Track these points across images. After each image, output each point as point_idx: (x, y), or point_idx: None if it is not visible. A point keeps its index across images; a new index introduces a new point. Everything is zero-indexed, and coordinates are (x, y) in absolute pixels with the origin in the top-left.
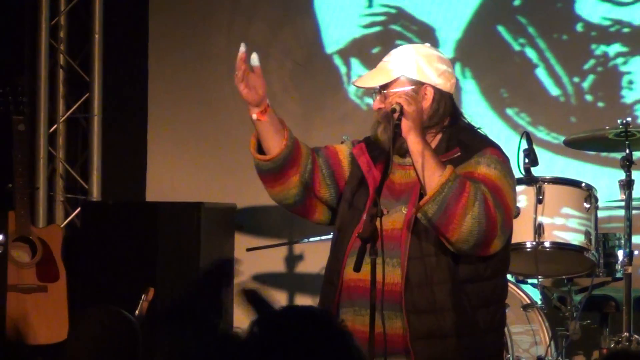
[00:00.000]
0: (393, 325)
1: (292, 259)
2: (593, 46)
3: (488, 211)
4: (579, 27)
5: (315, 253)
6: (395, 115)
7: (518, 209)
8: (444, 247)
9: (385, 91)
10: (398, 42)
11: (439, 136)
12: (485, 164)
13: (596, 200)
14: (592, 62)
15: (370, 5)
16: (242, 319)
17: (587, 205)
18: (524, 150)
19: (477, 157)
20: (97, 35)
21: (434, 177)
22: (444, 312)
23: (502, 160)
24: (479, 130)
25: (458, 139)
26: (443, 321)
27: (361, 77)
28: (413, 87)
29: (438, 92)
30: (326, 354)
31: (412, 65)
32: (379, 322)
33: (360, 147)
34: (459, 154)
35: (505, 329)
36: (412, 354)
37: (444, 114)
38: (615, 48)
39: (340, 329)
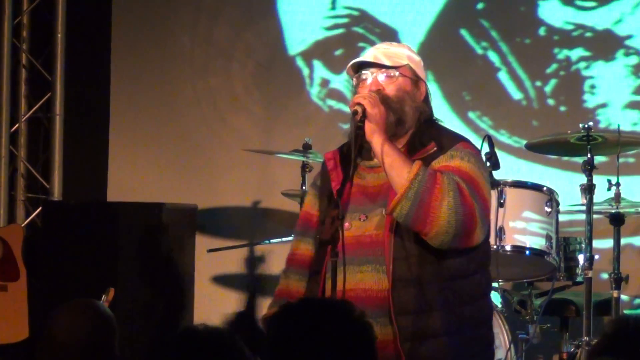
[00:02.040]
0: (384, 332)
1: (253, 260)
2: (555, 50)
3: (464, 200)
4: (542, 31)
5: (276, 254)
6: (357, 117)
7: None
8: (428, 245)
9: (388, 73)
10: (361, 44)
11: (411, 131)
12: (459, 157)
13: (557, 204)
14: (554, 66)
15: (333, 8)
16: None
17: (548, 209)
18: (486, 154)
19: (451, 151)
20: (59, 35)
21: (402, 174)
22: (432, 311)
23: (475, 153)
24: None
25: (430, 135)
26: (432, 320)
27: (364, 55)
28: (413, 78)
29: (427, 89)
30: (346, 345)
31: (413, 59)
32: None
33: (335, 161)
34: (435, 148)
35: None
36: (402, 356)
37: (428, 112)
38: (577, 52)
39: (360, 320)
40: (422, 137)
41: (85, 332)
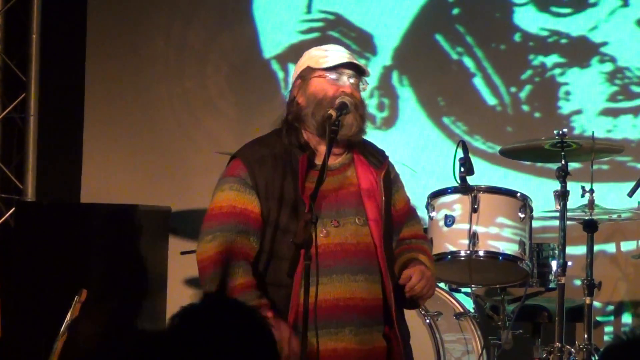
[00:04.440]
0: (377, 340)
1: None
2: (531, 56)
3: None
4: (517, 37)
5: None
6: (332, 120)
7: (452, 217)
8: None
9: (361, 81)
10: None
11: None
12: (403, 188)
13: (531, 210)
14: (529, 72)
15: (308, 11)
16: None
17: (521, 215)
18: (460, 159)
19: (394, 173)
20: (34, 36)
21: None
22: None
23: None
24: None
25: (365, 147)
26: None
27: (335, 55)
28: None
29: None
30: (247, 345)
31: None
32: (353, 337)
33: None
34: (377, 160)
35: (438, 337)
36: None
37: None
38: (552, 59)
39: (261, 320)
40: (366, 147)
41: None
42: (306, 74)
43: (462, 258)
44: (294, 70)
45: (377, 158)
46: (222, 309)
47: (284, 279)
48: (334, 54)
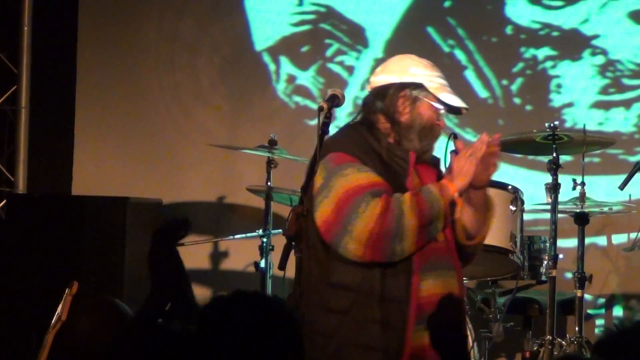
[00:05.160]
0: (458, 335)
1: (217, 256)
2: (522, 49)
3: None
4: (509, 30)
5: (240, 250)
6: (322, 113)
7: None
8: None
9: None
10: (327, 41)
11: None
12: None
13: (522, 203)
14: (521, 65)
15: (300, 4)
16: None
17: (512, 208)
18: (451, 152)
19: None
20: (26, 28)
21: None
22: None
23: None
24: None
25: None
26: None
27: (454, 96)
28: None
29: None
30: (275, 337)
31: None
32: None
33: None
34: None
35: None
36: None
37: None
38: (544, 51)
39: (289, 315)
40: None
41: (109, 335)
42: (419, 93)
43: None
44: (393, 66)
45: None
46: (250, 300)
47: (403, 268)
48: (453, 95)
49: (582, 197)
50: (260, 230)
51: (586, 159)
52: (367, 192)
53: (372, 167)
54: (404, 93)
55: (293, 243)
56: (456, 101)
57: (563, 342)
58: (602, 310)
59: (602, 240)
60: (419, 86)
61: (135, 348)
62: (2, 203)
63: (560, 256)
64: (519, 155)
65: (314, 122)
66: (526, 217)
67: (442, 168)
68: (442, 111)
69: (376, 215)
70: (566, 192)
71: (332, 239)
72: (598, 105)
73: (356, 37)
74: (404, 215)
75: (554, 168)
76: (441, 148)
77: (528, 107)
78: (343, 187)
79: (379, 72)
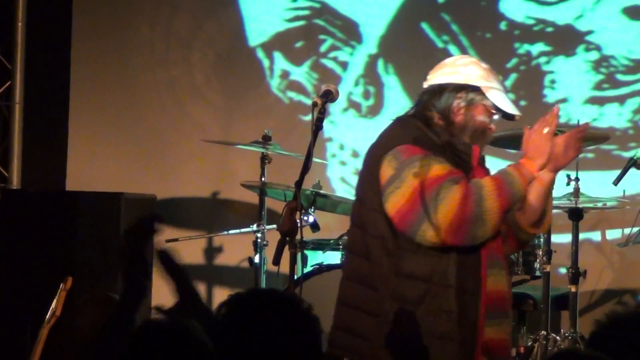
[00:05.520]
0: (507, 331)
1: (211, 251)
2: (516, 45)
3: None
4: (503, 26)
5: (234, 245)
6: (316, 109)
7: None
8: None
9: None
10: (322, 36)
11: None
12: None
13: None
14: (515, 60)
15: (294, 0)
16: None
17: None
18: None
19: None
20: (20, 24)
21: None
22: None
23: None
24: None
25: None
26: None
27: (510, 103)
28: None
29: None
30: (292, 335)
31: None
32: (508, 327)
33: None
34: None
35: None
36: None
37: None
38: (538, 47)
39: (306, 312)
40: None
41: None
42: (475, 96)
43: None
44: (453, 66)
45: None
46: (267, 298)
47: (473, 262)
48: (508, 101)
49: (576, 193)
50: (255, 226)
51: (580, 155)
52: (446, 179)
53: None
54: (460, 95)
55: (287, 238)
56: (510, 107)
57: (557, 337)
58: (597, 306)
59: (596, 236)
60: (475, 89)
61: (134, 346)
62: None
63: (554, 252)
64: (513, 151)
65: (308, 118)
66: None
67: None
68: (496, 116)
69: (457, 200)
70: (560, 188)
71: (408, 227)
72: (592, 100)
73: (350, 32)
74: (485, 198)
75: None
76: None
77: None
78: (419, 176)
79: (438, 70)
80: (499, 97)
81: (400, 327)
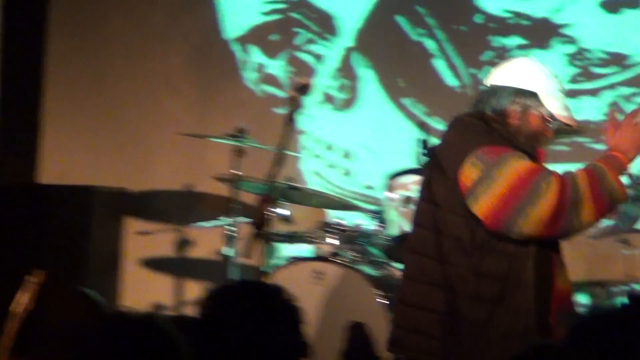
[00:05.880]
0: None
1: (184, 243)
2: (491, 38)
3: None
4: (478, 19)
5: (206, 238)
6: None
7: (412, 198)
8: None
9: None
10: (297, 30)
11: None
12: None
13: None
14: (490, 53)
15: None
16: None
17: None
18: (420, 141)
19: None
20: None
21: None
22: None
23: None
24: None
25: None
26: None
27: (571, 113)
28: None
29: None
30: (278, 326)
31: None
32: None
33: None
34: None
35: None
36: None
37: None
38: (514, 40)
39: (289, 303)
40: None
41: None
42: (532, 102)
43: None
44: (515, 68)
45: None
46: (252, 289)
47: (546, 260)
48: (566, 109)
49: None
50: (227, 219)
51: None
52: (541, 172)
53: None
54: (518, 99)
55: (259, 231)
56: (566, 117)
57: None
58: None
59: None
60: (533, 95)
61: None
62: None
63: None
64: None
65: (282, 111)
66: None
67: None
68: (552, 124)
69: (557, 192)
70: None
71: (503, 223)
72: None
73: (326, 25)
74: (579, 187)
75: None
76: (409, 137)
77: None
78: (513, 173)
79: (500, 72)
80: (556, 105)
81: (478, 326)
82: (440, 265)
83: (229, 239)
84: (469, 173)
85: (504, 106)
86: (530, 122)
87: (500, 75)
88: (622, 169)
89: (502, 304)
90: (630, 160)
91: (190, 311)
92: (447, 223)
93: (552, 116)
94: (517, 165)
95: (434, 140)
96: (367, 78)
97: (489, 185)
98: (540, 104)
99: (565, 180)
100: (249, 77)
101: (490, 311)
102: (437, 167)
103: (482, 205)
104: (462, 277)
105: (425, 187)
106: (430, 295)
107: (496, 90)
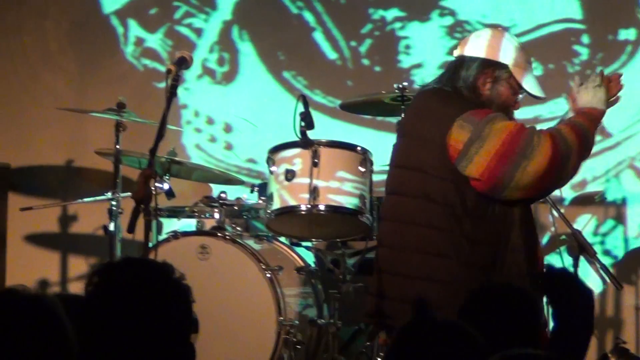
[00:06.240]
0: None
1: (66, 219)
2: (371, 10)
3: None
4: None
5: (89, 213)
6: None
7: (293, 172)
8: None
9: None
10: (175, 3)
11: None
12: None
13: (371, 164)
14: (369, 26)
15: None
16: None
17: (362, 169)
18: (301, 114)
19: None
20: None
21: None
22: None
23: None
24: None
25: None
26: None
27: (537, 85)
28: None
29: None
30: (165, 301)
31: None
32: None
33: None
34: None
35: (279, 291)
36: None
37: None
38: (392, 13)
39: (178, 281)
40: None
41: None
42: (502, 74)
43: (303, 212)
44: (484, 40)
45: None
46: (140, 267)
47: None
48: (535, 81)
49: None
50: (109, 194)
51: None
52: (531, 128)
53: None
54: (487, 70)
55: (142, 206)
56: (535, 88)
57: None
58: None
59: None
60: (503, 67)
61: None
62: None
63: None
64: (368, 117)
65: (162, 85)
66: (375, 178)
67: None
68: (521, 95)
69: (550, 146)
70: None
71: (499, 181)
72: (447, 65)
73: (205, 2)
74: (567, 138)
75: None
76: (290, 110)
77: (377, 68)
78: (504, 130)
79: (469, 43)
80: (525, 77)
81: None
82: (437, 233)
83: (113, 215)
84: (457, 136)
85: (474, 77)
86: (501, 94)
87: (470, 46)
88: (597, 122)
89: (496, 270)
90: (602, 113)
91: (76, 288)
92: (437, 190)
93: (520, 87)
94: (506, 123)
95: (314, 113)
96: (247, 51)
97: (481, 145)
98: (510, 75)
99: (555, 134)
100: (129, 51)
101: (485, 279)
102: (408, 136)
103: (477, 164)
104: (457, 243)
105: (401, 156)
106: (428, 263)
107: (466, 61)
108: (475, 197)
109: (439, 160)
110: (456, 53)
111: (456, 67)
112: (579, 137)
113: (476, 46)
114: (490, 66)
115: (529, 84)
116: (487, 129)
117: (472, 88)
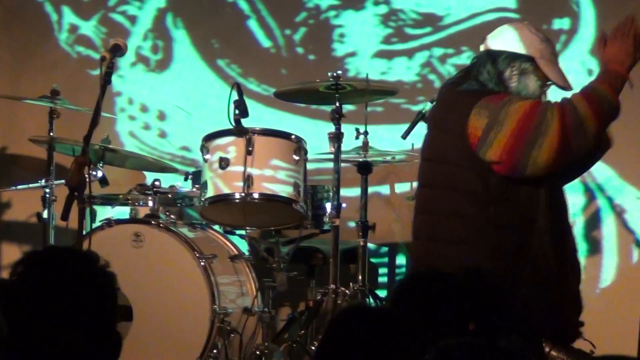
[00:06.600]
0: None
1: None
2: None
3: None
4: None
5: (22, 200)
6: (104, 63)
7: (227, 160)
8: None
9: None
10: None
11: None
12: None
13: (305, 152)
14: (303, 14)
15: None
16: None
17: (296, 157)
18: (235, 102)
19: None
20: None
21: None
22: None
23: None
24: None
25: None
26: None
27: (567, 78)
28: None
29: None
30: (90, 289)
31: None
32: None
33: None
34: None
35: (212, 279)
36: None
37: None
38: (327, 1)
39: (103, 269)
40: None
41: None
42: (528, 66)
43: (237, 200)
44: (510, 33)
45: None
46: (65, 255)
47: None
48: (561, 72)
49: (365, 147)
50: (43, 181)
51: (369, 109)
52: (544, 103)
53: None
54: (514, 64)
55: (76, 193)
56: (561, 80)
57: (347, 291)
58: (386, 259)
59: (385, 189)
60: (529, 59)
61: None
62: None
63: (344, 205)
64: (302, 105)
65: (96, 72)
66: (309, 166)
67: None
68: (547, 86)
69: (558, 118)
70: (349, 142)
71: (518, 160)
72: (381, 54)
73: None
74: (577, 107)
75: (337, 117)
76: (224, 98)
77: (311, 57)
78: (518, 111)
79: (496, 37)
80: (552, 68)
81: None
82: (461, 221)
83: (46, 202)
84: (475, 123)
85: (502, 71)
86: (528, 86)
87: (495, 41)
88: (620, 79)
89: (522, 254)
90: (627, 67)
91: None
92: (460, 179)
93: (547, 78)
94: (520, 104)
95: (249, 102)
96: (181, 39)
97: (499, 129)
98: (537, 67)
99: (563, 104)
100: (63, 38)
101: (510, 263)
102: (434, 129)
103: (495, 148)
104: (482, 230)
105: (428, 149)
106: (454, 253)
107: (492, 55)
108: (499, 182)
109: (461, 149)
110: (482, 48)
111: (483, 61)
112: (592, 105)
113: (502, 40)
114: (516, 59)
115: (556, 75)
116: (504, 112)
117: (498, 81)
